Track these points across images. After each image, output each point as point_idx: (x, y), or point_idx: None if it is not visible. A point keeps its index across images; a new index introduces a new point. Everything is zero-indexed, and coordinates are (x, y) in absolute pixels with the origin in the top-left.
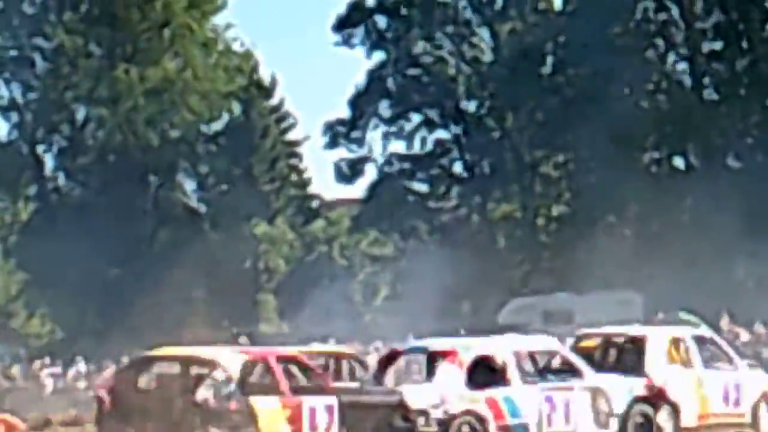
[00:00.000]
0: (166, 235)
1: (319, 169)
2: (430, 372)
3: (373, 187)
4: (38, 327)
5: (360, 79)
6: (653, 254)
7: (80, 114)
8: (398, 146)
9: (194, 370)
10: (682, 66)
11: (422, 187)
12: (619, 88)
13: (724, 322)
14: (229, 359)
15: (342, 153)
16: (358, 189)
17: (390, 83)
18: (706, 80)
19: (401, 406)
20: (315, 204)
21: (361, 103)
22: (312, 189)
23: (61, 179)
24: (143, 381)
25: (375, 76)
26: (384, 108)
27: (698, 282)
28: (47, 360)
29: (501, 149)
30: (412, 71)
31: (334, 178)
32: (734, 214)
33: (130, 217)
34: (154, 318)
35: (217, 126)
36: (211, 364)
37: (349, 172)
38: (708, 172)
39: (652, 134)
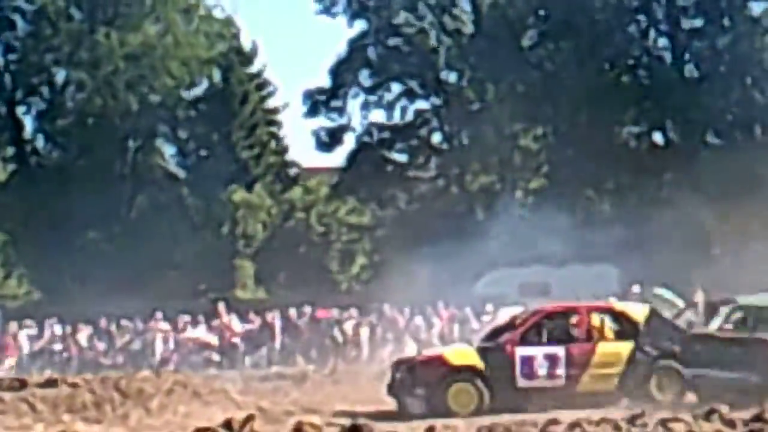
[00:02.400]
0: (144, 200)
1: (299, 136)
2: None
3: (352, 156)
4: (15, 288)
5: (341, 48)
6: (630, 228)
7: (60, 77)
8: (378, 116)
9: None
10: (663, 42)
11: (401, 157)
12: (600, 62)
13: (699, 297)
14: None
15: (322, 121)
16: (337, 157)
17: (371, 53)
18: (687, 57)
19: None
20: (293, 171)
21: (342, 72)
22: (291, 156)
23: (40, 141)
24: None
25: (356, 46)
26: (364, 77)
27: (675, 257)
28: (27, 322)
29: (481, 121)
30: (394, 41)
31: (314, 146)
32: (712, 191)
33: (109, 180)
34: (131, 281)
35: (197, 92)
36: None
37: (329, 140)
38: (687, 149)
39: (631, 109)
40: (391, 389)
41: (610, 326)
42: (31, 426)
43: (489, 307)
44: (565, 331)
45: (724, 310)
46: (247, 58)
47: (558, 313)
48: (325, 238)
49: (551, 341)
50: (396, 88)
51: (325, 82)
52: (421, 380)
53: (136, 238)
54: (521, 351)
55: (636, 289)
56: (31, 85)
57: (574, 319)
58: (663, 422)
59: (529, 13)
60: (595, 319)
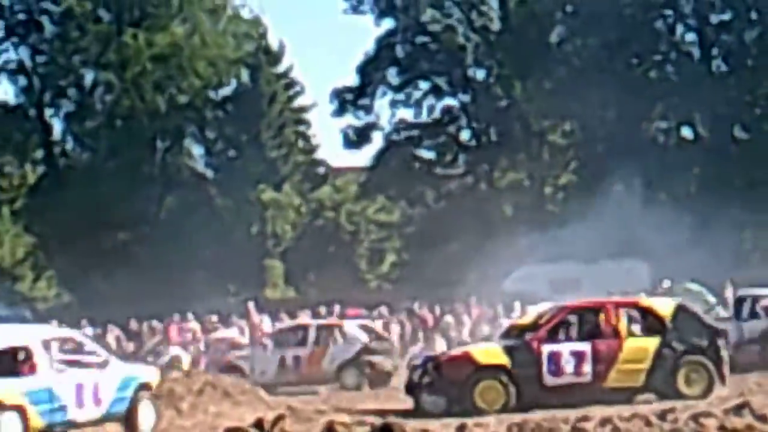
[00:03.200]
0: (173, 200)
1: (327, 136)
2: None
3: (381, 154)
4: (45, 290)
5: (369, 46)
6: (660, 224)
7: (88, 78)
8: (406, 114)
9: None
10: (691, 37)
11: (429, 155)
12: (628, 58)
13: (728, 292)
14: None
15: (350, 120)
16: (365, 156)
17: (399, 51)
18: (715, 51)
19: None
20: (322, 170)
21: (370, 71)
22: (319, 155)
23: (69, 143)
24: None
25: (384, 44)
26: (392, 75)
27: (705, 252)
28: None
29: (508, 117)
30: (421, 39)
31: (342, 145)
32: (741, 185)
33: (138, 181)
34: (161, 283)
35: (225, 92)
36: None
37: (357, 138)
38: (715, 143)
39: (659, 104)
40: (409, 388)
41: (636, 322)
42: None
43: (517, 305)
44: (592, 327)
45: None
46: (275, 57)
47: (584, 310)
48: (354, 236)
49: (578, 338)
50: (424, 85)
51: (353, 80)
52: (448, 378)
53: (165, 239)
54: (548, 348)
55: (666, 284)
56: (59, 87)
57: (600, 316)
58: (694, 417)
59: (557, 9)
60: (622, 315)
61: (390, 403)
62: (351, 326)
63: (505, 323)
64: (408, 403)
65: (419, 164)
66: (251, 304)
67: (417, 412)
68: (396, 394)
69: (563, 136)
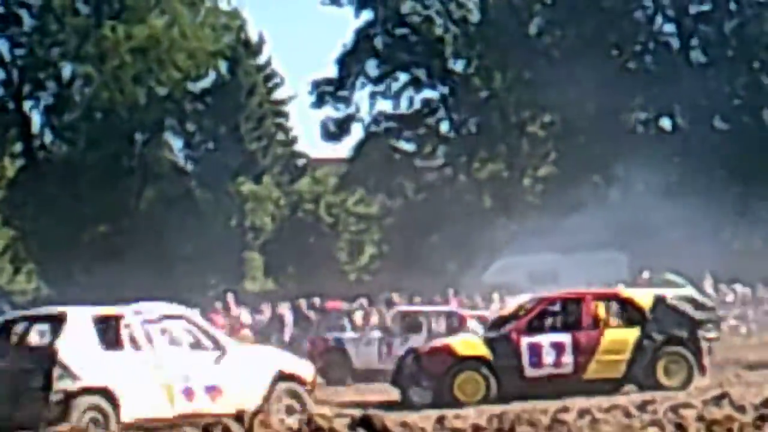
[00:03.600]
0: (152, 193)
1: (306, 127)
2: None
3: (360, 146)
4: (24, 284)
5: (347, 38)
6: (639, 215)
7: (67, 71)
8: (385, 105)
9: None
10: (670, 28)
11: (409, 146)
12: (607, 49)
13: (708, 284)
14: None
15: (329, 112)
16: (344, 148)
17: (378, 42)
18: (694, 42)
19: None
20: (301, 162)
21: (349, 63)
22: (298, 148)
23: (48, 136)
24: None
25: (362, 36)
26: (371, 67)
27: (684, 243)
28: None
29: (488, 109)
30: (400, 30)
31: (321, 137)
32: (721, 176)
33: (117, 174)
34: (140, 275)
35: (204, 84)
36: None
37: (336, 130)
38: (695, 134)
39: (639, 95)
40: (396, 380)
41: (616, 313)
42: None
43: (495, 296)
44: (572, 318)
45: None
46: (254, 49)
47: (564, 301)
48: (333, 228)
49: (558, 329)
50: (403, 77)
51: (332, 72)
52: (428, 371)
53: (144, 232)
54: (527, 339)
55: (645, 275)
56: (38, 80)
57: (580, 307)
58: (673, 408)
59: (536, 1)
60: (602, 306)
61: (374, 395)
62: (472, 317)
63: (488, 315)
64: (390, 395)
65: (398, 156)
66: (231, 296)
67: (400, 405)
68: (382, 387)
69: (542, 127)
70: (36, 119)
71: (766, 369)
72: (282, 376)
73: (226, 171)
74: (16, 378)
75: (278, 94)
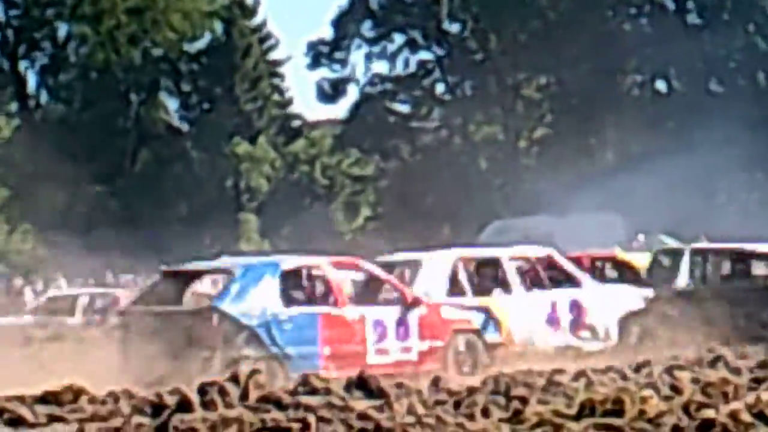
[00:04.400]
0: (148, 154)
1: (302, 89)
2: None
3: (356, 108)
4: (19, 243)
5: None
6: (635, 177)
7: (62, 31)
8: (381, 67)
9: None
10: None
11: (404, 108)
12: (602, 11)
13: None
14: None
15: (324, 73)
16: (340, 109)
17: (373, 3)
18: (690, 4)
19: None
20: (297, 124)
21: (344, 24)
22: (294, 109)
23: (44, 96)
24: None
25: None
26: (367, 28)
27: (679, 205)
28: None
29: (483, 71)
30: None
31: (317, 98)
32: (716, 139)
33: (112, 134)
34: (136, 235)
35: (200, 45)
36: None
37: (332, 92)
38: (690, 96)
39: (634, 58)
40: None
41: (612, 274)
42: (37, 381)
43: None
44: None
45: None
46: (250, 10)
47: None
48: (329, 190)
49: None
50: (399, 39)
51: (328, 33)
52: None
53: (140, 192)
54: None
55: (641, 238)
56: (33, 40)
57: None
58: (668, 370)
59: None
60: (598, 267)
61: None
62: None
63: None
64: None
65: (394, 118)
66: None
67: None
68: None
69: (538, 89)
70: (31, 79)
71: None
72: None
73: (221, 132)
74: None
75: (274, 56)
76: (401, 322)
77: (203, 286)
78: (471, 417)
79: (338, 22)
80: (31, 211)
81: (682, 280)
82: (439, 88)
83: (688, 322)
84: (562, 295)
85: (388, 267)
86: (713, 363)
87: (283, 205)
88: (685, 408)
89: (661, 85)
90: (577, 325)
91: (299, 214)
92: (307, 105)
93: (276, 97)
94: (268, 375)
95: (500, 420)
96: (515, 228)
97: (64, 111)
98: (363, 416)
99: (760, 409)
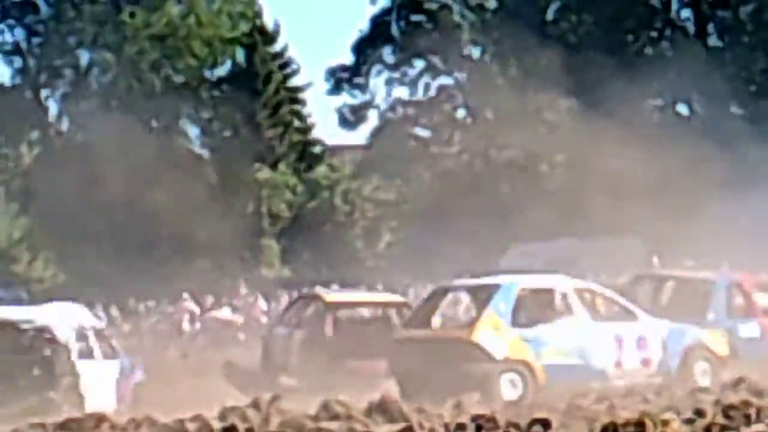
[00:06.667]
0: (169, 181)
1: (323, 114)
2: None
3: (376, 133)
4: (41, 271)
5: (364, 25)
6: (657, 201)
7: (84, 59)
8: (401, 92)
9: None
10: (686, 13)
11: (425, 133)
12: (622, 35)
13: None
14: None
15: (345, 99)
16: (361, 135)
17: (393, 29)
18: (710, 27)
19: None
20: (318, 150)
21: (365, 49)
22: (315, 135)
23: (65, 124)
24: None
25: (379, 22)
26: (387, 54)
27: (702, 229)
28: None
29: (504, 95)
30: (416, 17)
31: (337, 124)
32: (738, 162)
33: (134, 162)
34: (157, 263)
35: (221, 72)
36: None
37: (352, 117)
38: (711, 119)
39: (655, 81)
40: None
41: None
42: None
43: None
44: None
45: None
46: (270, 37)
47: None
48: (349, 216)
49: None
50: (419, 64)
51: (348, 59)
52: None
53: (161, 220)
54: None
55: (655, 261)
56: (55, 68)
57: None
58: (690, 393)
59: None
60: None
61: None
62: None
63: None
64: None
65: (415, 143)
66: (243, 284)
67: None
68: None
69: (559, 113)
70: (53, 107)
71: None
72: None
73: (242, 158)
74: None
75: (294, 82)
76: None
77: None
78: None
79: (358, 48)
80: (52, 239)
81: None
82: (460, 112)
83: None
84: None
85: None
86: (735, 385)
87: (304, 230)
88: (707, 430)
89: (682, 109)
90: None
91: (320, 239)
92: (327, 131)
93: (297, 123)
94: None
95: None
96: (537, 252)
97: (85, 138)
98: None
99: None
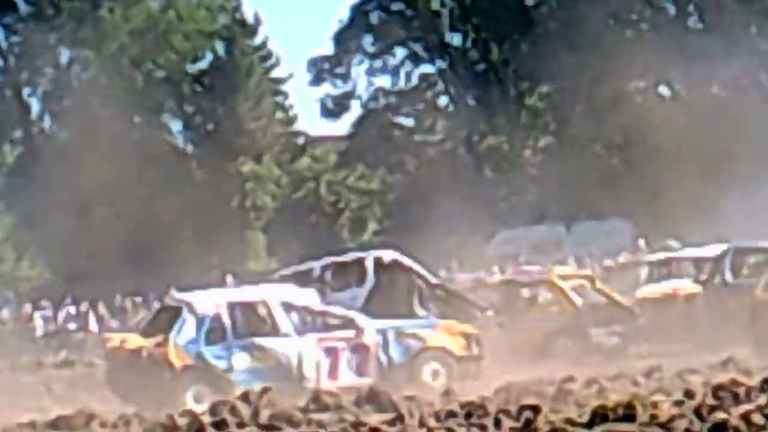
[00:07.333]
0: (153, 176)
1: (305, 106)
2: None
3: (359, 123)
4: (27, 270)
5: (343, 14)
6: (641, 183)
7: (64, 56)
8: (383, 81)
9: None
10: None
11: (408, 122)
12: (603, 18)
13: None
14: None
15: (327, 89)
16: (344, 125)
17: (373, 18)
18: (691, 8)
19: None
20: (301, 141)
21: (345, 39)
22: (298, 126)
23: (47, 122)
24: None
25: (358, 11)
26: (368, 43)
27: (686, 210)
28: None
29: (486, 82)
30: (396, 6)
31: (320, 115)
32: (721, 143)
33: (117, 158)
34: (143, 259)
35: (202, 65)
36: None
37: (335, 107)
38: (693, 101)
39: (636, 63)
40: None
41: None
42: (48, 407)
43: (496, 269)
44: None
45: None
46: (250, 29)
47: None
48: (335, 206)
49: None
50: (400, 52)
51: (329, 49)
52: None
53: (146, 215)
54: None
55: (641, 243)
56: (35, 67)
57: None
58: (679, 374)
59: None
60: None
61: None
62: None
63: None
64: None
65: (398, 131)
66: (230, 277)
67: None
68: None
69: (540, 98)
70: (35, 106)
71: None
72: None
73: (225, 151)
74: None
75: (276, 73)
76: None
77: None
78: (482, 428)
79: (339, 38)
80: (38, 237)
81: None
82: (443, 100)
83: None
84: None
85: None
86: (724, 365)
87: (290, 222)
88: (697, 411)
89: (664, 90)
90: None
91: (306, 230)
92: (310, 122)
93: (279, 114)
94: None
95: (512, 429)
96: (522, 238)
97: (67, 136)
98: (375, 431)
99: None
